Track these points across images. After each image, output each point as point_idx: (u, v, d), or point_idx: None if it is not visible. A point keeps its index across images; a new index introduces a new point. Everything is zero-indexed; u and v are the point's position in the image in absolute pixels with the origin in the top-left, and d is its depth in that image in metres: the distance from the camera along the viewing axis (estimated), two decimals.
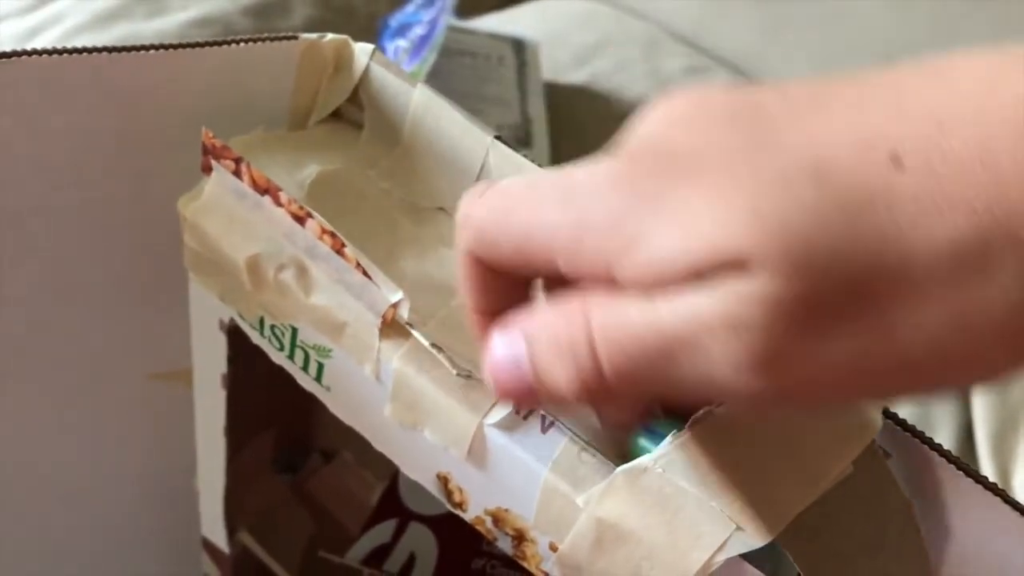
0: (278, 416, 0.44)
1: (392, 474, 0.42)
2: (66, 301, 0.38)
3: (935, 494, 0.27)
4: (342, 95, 0.35)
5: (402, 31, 0.70)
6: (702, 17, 0.85)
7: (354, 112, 0.36)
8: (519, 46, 0.77)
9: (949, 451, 0.27)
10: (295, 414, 0.45)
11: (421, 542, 0.40)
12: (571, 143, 0.74)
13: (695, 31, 0.85)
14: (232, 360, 0.36)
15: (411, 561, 0.40)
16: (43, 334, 0.38)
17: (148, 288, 0.39)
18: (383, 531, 0.40)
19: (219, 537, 0.42)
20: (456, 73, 0.74)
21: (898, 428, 0.28)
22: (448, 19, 0.69)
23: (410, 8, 0.72)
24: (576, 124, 0.75)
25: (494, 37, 0.78)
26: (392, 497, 0.41)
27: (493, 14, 0.87)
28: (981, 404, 0.63)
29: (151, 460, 0.44)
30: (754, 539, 0.24)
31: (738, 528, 0.24)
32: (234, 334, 0.35)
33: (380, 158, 0.35)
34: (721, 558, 0.25)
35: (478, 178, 0.33)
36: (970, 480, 0.27)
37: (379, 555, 0.40)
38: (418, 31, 0.69)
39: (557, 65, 0.79)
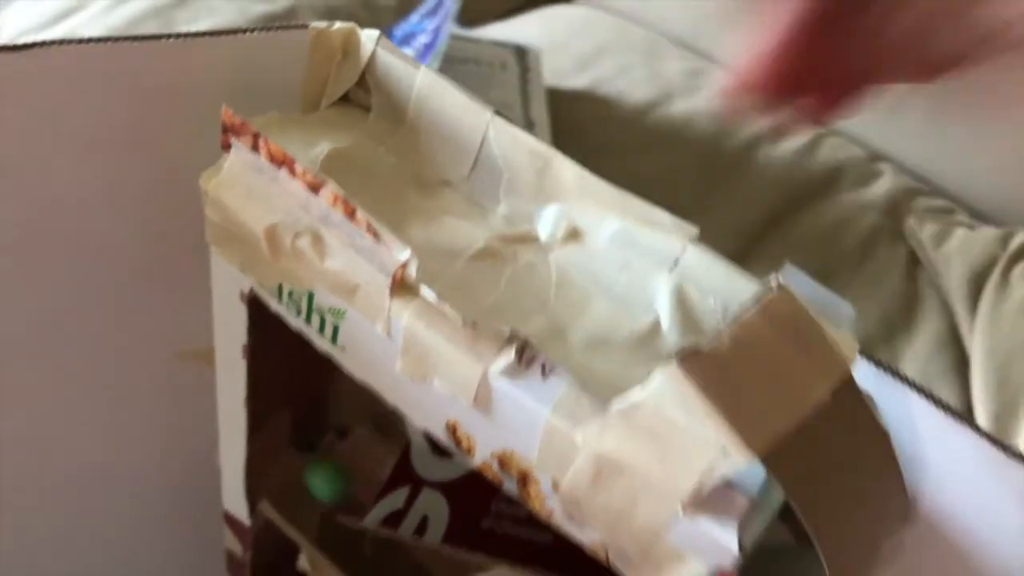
0: (295, 396, 0.46)
1: (404, 445, 0.43)
2: (92, 282, 0.40)
3: (911, 427, 0.29)
4: (351, 79, 0.37)
5: (406, 40, 0.72)
6: (700, 21, 0.87)
7: (362, 95, 0.38)
8: (521, 53, 0.79)
9: (924, 386, 0.29)
10: (310, 394, 0.47)
11: (433, 506, 0.42)
12: (574, 146, 0.76)
13: (694, 35, 0.87)
14: (252, 334, 0.38)
15: (424, 523, 0.41)
16: (70, 315, 0.40)
17: (171, 269, 0.41)
18: (396, 498, 0.42)
19: (240, 510, 0.44)
20: (460, 79, 0.75)
21: (878, 367, 0.30)
22: (451, 28, 0.71)
23: (414, 18, 0.74)
24: (578, 128, 0.77)
25: (497, 45, 0.80)
26: (404, 466, 0.43)
27: (495, 23, 0.89)
28: (981, 386, 0.65)
29: (175, 438, 0.46)
30: (739, 460, 0.26)
31: (724, 451, 0.26)
32: (254, 308, 0.37)
33: (387, 136, 0.37)
34: (710, 481, 0.27)
35: (479, 151, 0.35)
36: (942, 412, 0.29)
37: (393, 520, 0.42)
38: (422, 40, 0.71)
39: (559, 71, 0.81)
